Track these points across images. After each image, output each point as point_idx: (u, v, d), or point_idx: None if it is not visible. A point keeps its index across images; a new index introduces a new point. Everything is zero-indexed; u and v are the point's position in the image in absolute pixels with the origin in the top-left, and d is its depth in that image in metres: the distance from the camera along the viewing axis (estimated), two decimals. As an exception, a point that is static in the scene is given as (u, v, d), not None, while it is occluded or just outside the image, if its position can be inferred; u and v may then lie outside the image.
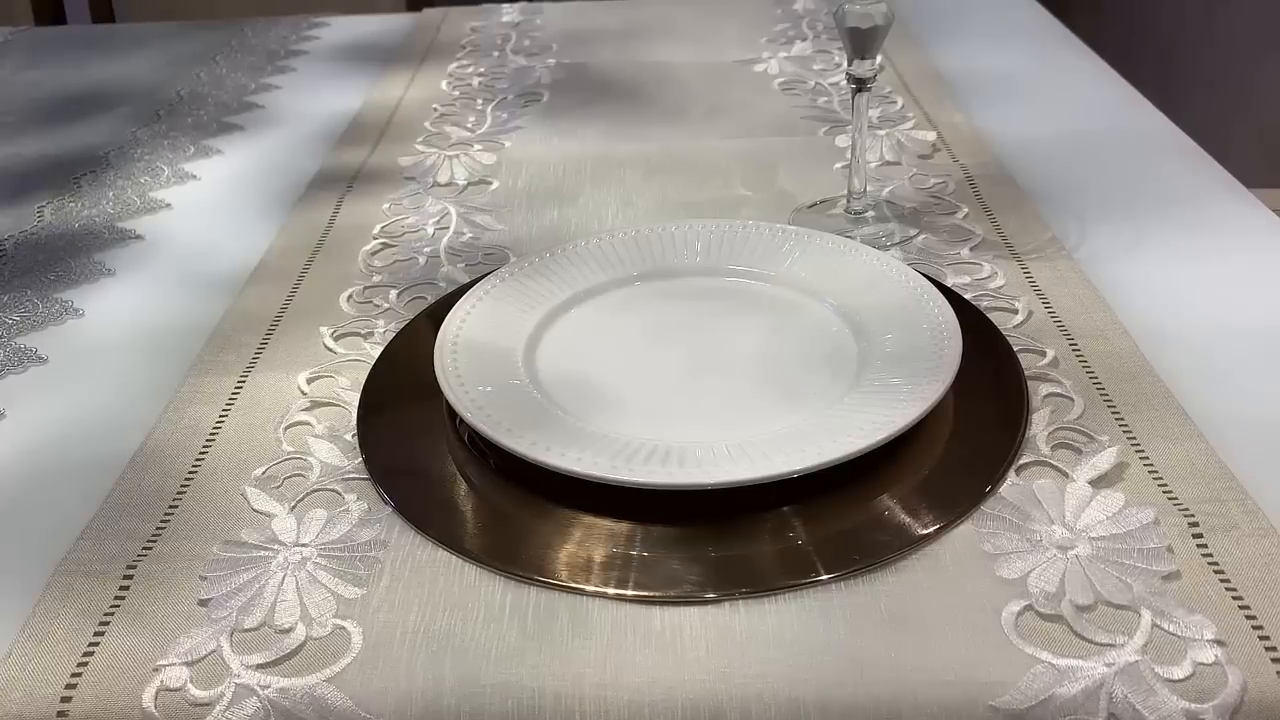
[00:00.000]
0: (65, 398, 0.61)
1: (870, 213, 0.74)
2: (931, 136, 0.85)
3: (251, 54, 1.13)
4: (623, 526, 0.48)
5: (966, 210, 0.74)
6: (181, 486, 0.52)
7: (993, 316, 0.62)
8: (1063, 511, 0.48)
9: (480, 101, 0.98)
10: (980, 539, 0.47)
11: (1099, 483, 0.49)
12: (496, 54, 1.10)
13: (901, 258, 0.68)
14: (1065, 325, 0.61)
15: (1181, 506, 0.48)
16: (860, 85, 0.70)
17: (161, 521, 0.50)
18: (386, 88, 1.02)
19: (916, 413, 0.50)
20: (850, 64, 0.70)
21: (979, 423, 0.54)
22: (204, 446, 0.55)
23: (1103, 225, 0.71)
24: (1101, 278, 0.66)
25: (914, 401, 0.51)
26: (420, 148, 0.89)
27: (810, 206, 0.76)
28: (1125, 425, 0.53)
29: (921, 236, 0.71)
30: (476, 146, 0.88)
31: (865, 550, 0.46)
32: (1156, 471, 0.50)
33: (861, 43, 0.68)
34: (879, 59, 0.70)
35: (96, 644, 0.44)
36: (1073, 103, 0.92)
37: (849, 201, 0.74)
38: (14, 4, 1.43)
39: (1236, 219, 0.71)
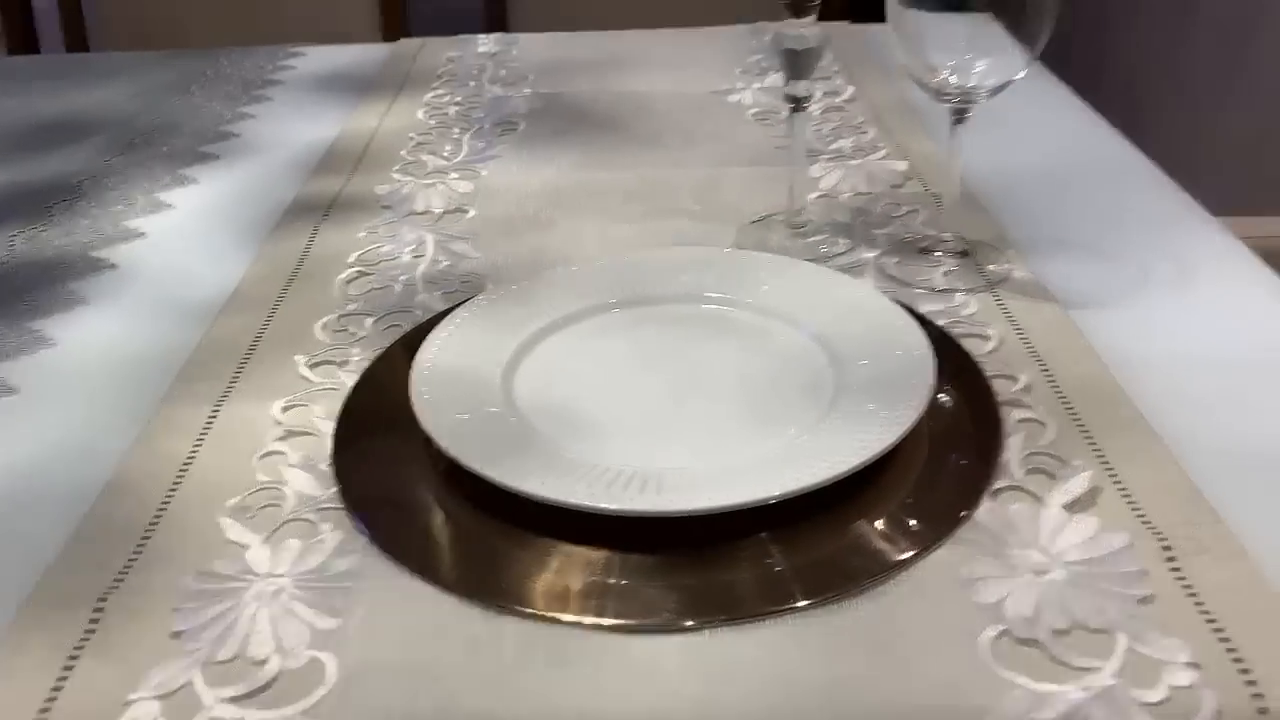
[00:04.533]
0: (36, 428, 0.60)
1: (809, 225, 0.77)
2: (903, 166, 0.86)
3: (227, 83, 1.13)
4: (600, 554, 0.48)
5: (948, 238, 0.75)
6: (154, 517, 0.52)
7: (965, 343, 0.62)
8: (1038, 536, 0.48)
9: (457, 130, 0.98)
10: (956, 564, 0.47)
11: (1073, 507, 0.50)
12: (473, 83, 1.10)
13: (875, 285, 0.68)
14: (1037, 351, 0.62)
15: (1155, 530, 0.48)
16: (797, 105, 0.73)
17: (134, 552, 0.50)
18: (363, 117, 1.02)
19: (892, 438, 0.50)
20: (786, 84, 0.73)
21: (953, 448, 0.54)
22: (177, 476, 0.54)
23: (1072, 252, 0.72)
24: (1072, 304, 0.66)
25: (889, 427, 0.51)
26: (397, 176, 0.89)
27: (753, 222, 0.79)
28: (1098, 450, 0.53)
29: (877, 255, 0.72)
30: (453, 175, 0.89)
31: (843, 576, 0.46)
32: (1130, 495, 0.50)
33: (797, 64, 0.71)
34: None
35: (66, 677, 0.43)
36: (1042, 132, 0.93)
37: (790, 216, 0.77)
38: (-13, 33, 1.43)
39: (1203, 245, 0.72)
